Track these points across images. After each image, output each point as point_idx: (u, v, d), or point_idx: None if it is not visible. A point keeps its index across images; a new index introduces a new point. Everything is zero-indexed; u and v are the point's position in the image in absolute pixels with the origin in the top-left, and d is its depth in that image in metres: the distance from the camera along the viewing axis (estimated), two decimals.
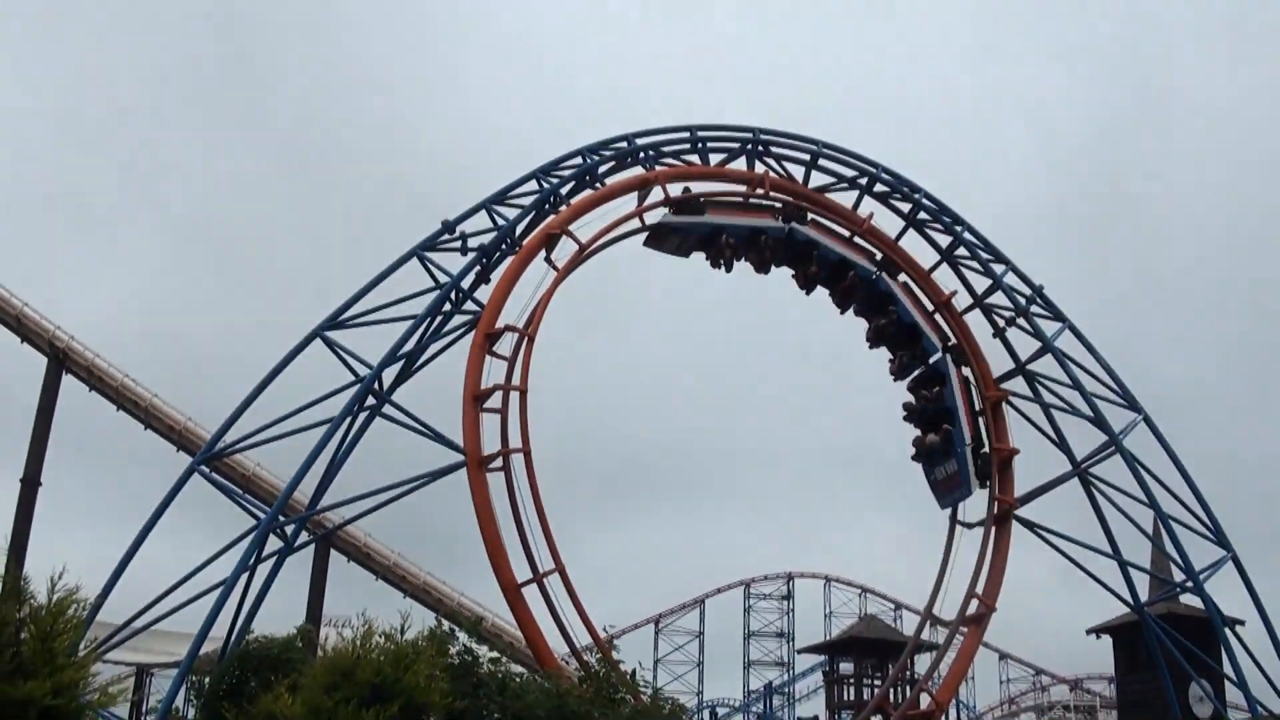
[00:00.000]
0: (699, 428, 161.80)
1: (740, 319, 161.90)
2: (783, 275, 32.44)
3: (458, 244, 28.23)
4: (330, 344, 26.37)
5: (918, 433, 32.46)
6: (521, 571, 24.90)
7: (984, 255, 33.27)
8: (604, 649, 21.50)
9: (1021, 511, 31.45)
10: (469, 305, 27.89)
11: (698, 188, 31.00)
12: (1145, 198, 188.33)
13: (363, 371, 26.07)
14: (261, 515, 24.98)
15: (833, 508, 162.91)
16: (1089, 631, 52.36)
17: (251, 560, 24.10)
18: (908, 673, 42.37)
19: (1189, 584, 32.33)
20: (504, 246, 28.59)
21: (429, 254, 27.88)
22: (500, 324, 26.75)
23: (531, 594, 24.95)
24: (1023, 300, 32.94)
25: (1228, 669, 32.73)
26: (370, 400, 26.34)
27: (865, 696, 52.21)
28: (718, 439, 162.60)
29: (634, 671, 19.07)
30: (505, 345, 26.78)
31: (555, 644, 24.62)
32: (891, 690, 40.53)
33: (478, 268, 28.13)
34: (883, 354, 33.15)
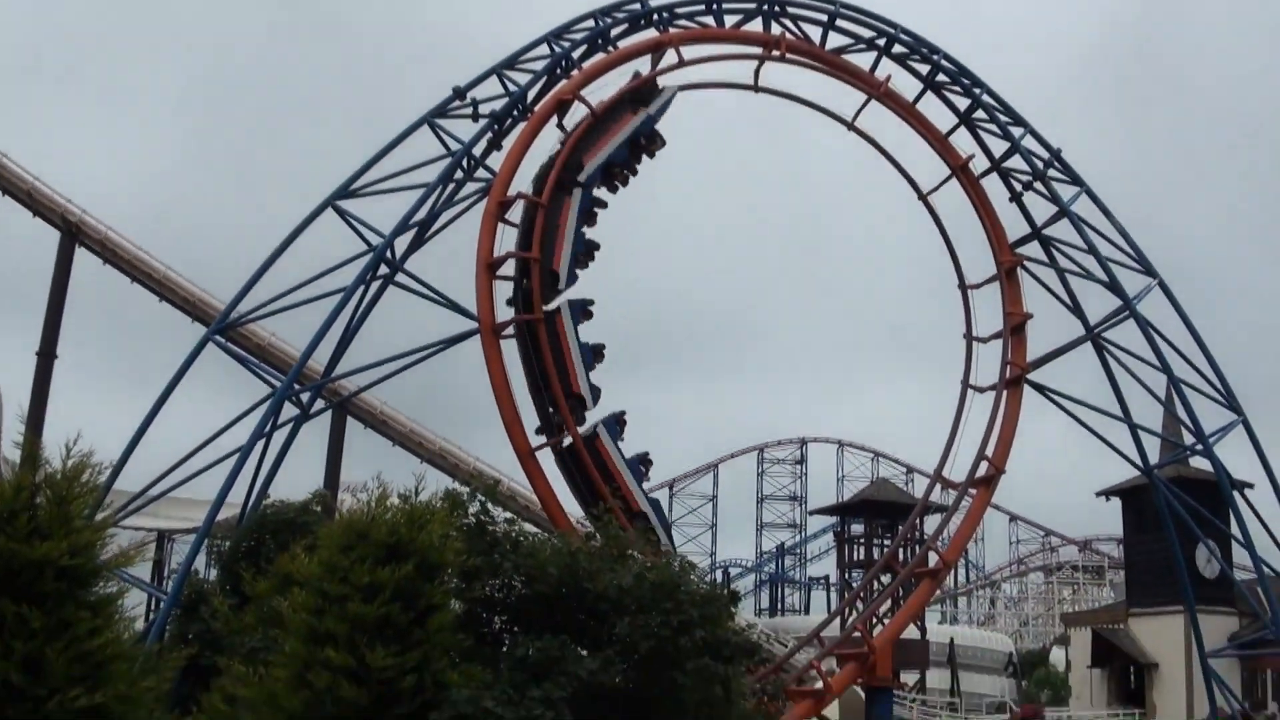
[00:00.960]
0: (719, 293, 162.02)
1: (763, 186, 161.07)
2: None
3: (469, 111, 27.92)
4: (342, 213, 26.26)
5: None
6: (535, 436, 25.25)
7: (1002, 118, 32.82)
8: (616, 511, 21.80)
9: (1034, 376, 31.48)
10: (481, 173, 27.73)
11: (712, 50, 30.53)
12: (1176, 61, 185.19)
13: (375, 240, 26.00)
14: (277, 383, 25.18)
15: (848, 374, 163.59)
16: (1099, 494, 53.05)
17: (267, 428, 24.35)
18: (916, 533, 42.88)
19: (1199, 447, 32.51)
20: (515, 113, 28.29)
21: (440, 121, 27.60)
22: (512, 191, 26.60)
23: (545, 458, 25.31)
24: (1040, 164, 32.55)
25: (1235, 531, 33.00)
26: (383, 269, 26.35)
27: (874, 556, 53.08)
28: (737, 305, 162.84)
29: (650, 527, 19.35)
30: (518, 213, 26.65)
31: (570, 507, 25.03)
32: (900, 550, 41.14)
33: (489, 135, 27.89)
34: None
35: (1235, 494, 32.89)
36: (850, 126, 32.15)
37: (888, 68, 32.69)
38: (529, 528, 17.52)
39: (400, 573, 12.54)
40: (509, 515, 17.12)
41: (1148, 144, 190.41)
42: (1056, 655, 71.98)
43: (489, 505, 16.26)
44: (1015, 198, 32.95)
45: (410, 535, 13.09)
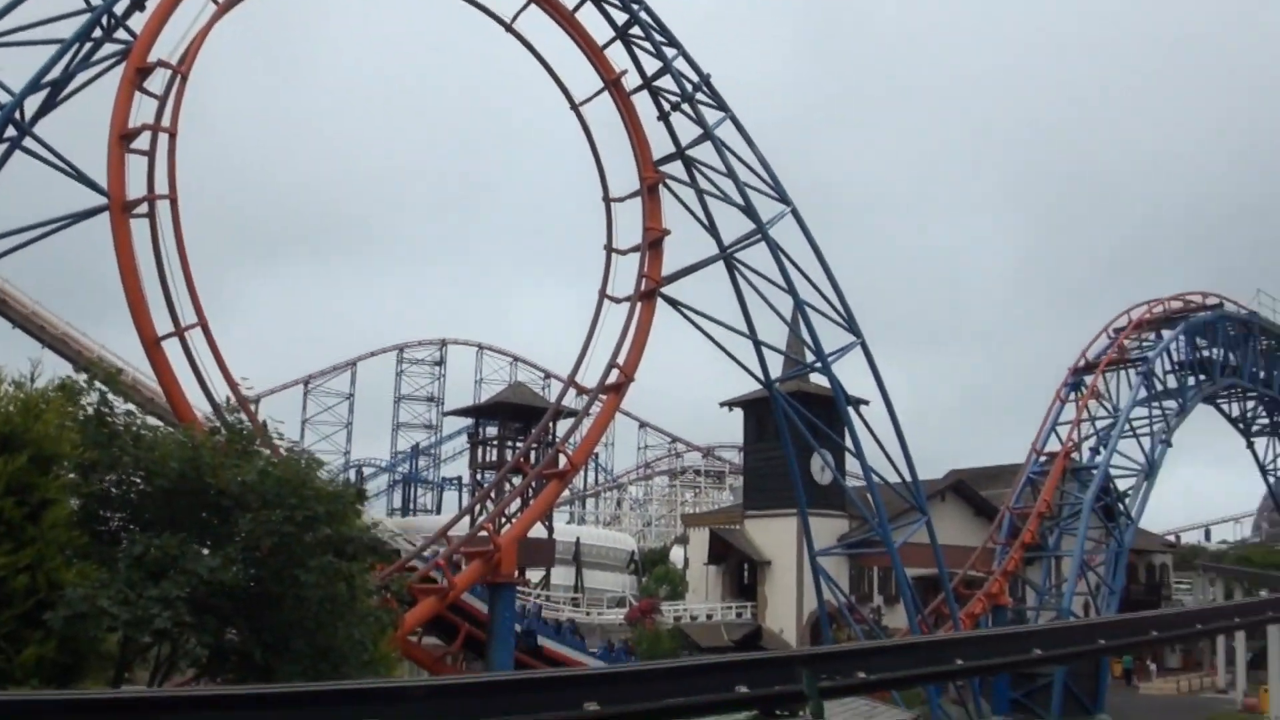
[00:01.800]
0: (366, 188, 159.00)
1: (421, 84, 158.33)
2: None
3: None
4: None
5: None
6: (163, 324, 24.40)
7: (658, 37, 33.57)
8: (244, 404, 21.58)
9: (669, 291, 32.99)
10: (121, 34, 26.17)
11: None
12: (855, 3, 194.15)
13: (2, 99, 24.30)
14: None
15: (492, 278, 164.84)
16: (723, 404, 56.30)
17: None
18: (549, 436, 44.26)
19: (818, 365, 34.98)
20: None
21: None
22: (153, 58, 25.33)
23: (174, 348, 24.56)
24: (689, 86, 33.67)
25: (848, 443, 35.86)
26: (10, 131, 24.64)
27: (508, 457, 54.33)
28: (385, 202, 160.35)
29: (266, 423, 19.22)
30: (158, 83, 25.45)
31: (197, 400, 24.39)
32: (531, 452, 42.39)
33: None
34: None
35: (850, 409, 35.59)
36: (508, 28, 32.33)
37: None
38: (153, 421, 17.18)
39: (13, 465, 12.22)
40: (131, 407, 16.69)
41: (819, 79, 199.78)
42: (676, 554, 75.95)
43: (109, 395, 15.83)
44: (663, 117, 34.09)
45: (24, 425, 12.74)
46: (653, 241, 32.41)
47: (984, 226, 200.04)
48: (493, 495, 42.34)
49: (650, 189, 32.98)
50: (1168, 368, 53.81)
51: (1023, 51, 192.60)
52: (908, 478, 35.48)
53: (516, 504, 35.70)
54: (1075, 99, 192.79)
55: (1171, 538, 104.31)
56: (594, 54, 33.15)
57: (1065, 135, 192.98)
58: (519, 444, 54.61)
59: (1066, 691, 40.66)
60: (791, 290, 33.69)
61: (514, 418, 58.02)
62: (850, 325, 34.87)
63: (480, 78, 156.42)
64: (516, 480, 37.38)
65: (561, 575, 64.71)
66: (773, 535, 54.54)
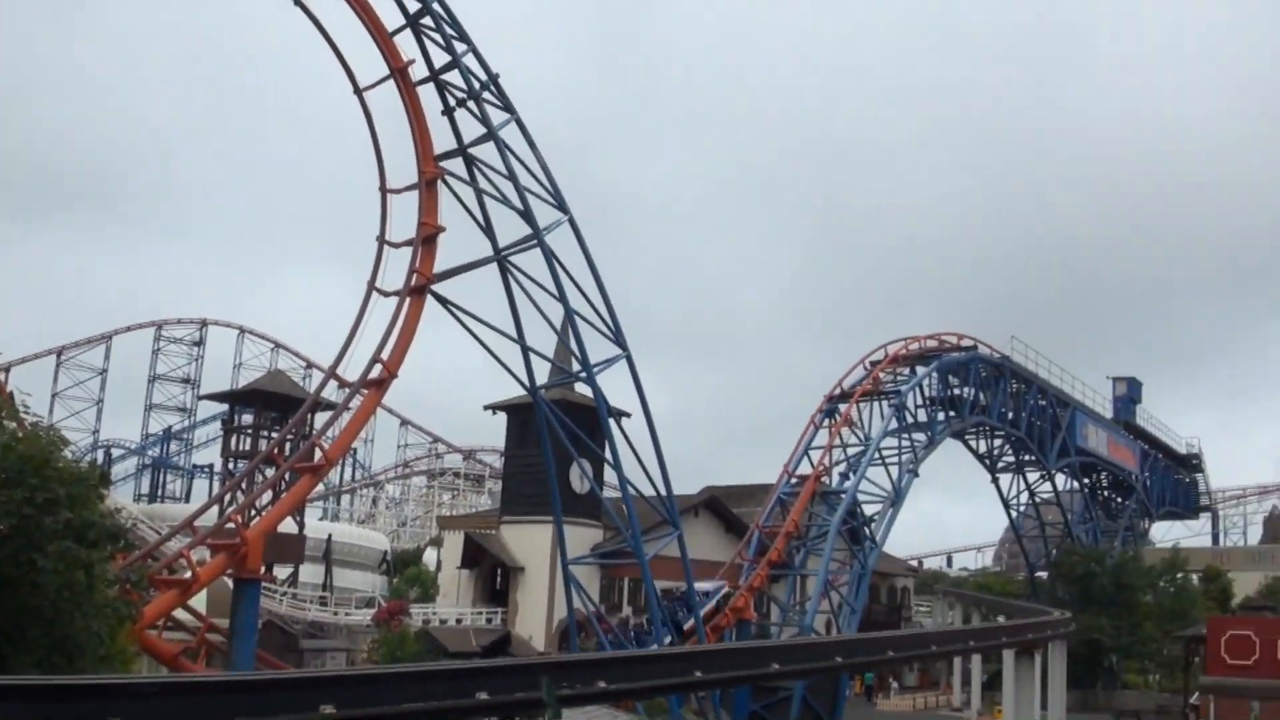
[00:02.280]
0: (135, 149, 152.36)
1: (204, 42, 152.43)
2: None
3: None
4: None
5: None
6: None
7: (449, 30, 33.18)
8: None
9: (441, 289, 32.63)
10: None
11: None
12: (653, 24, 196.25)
13: None
14: None
15: (261, 259, 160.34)
16: (487, 407, 56.09)
17: None
18: (306, 428, 43.28)
19: (583, 374, 35.22)
20: None
21: None
22: None
23: None
24: (477, 84, 33.45)
25: (608, 454, 36.15)
26: None
27: (262, 447, 52.94)
28: (153, 164, 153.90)
29: (13, 394, 18.23)
30: None
31: None
32: (286, 443, 41.38)
33: None
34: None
35: (611, 421, 35.96)
36: (296, 2, 31.46)
37: None
38: None
39: None
40: None
41: (615, 92, 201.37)
42: (430, 556, 75.34)
43: None
44: (448, 112, 33.72)
45: None
46: (426, 237, 32.00)
47: (758, 251, 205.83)
48: (244, 486, 41.16)
49: (429, 183, 32.56)
50: (919, 402, 56.44)
51: (804, 89, 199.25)
52: (663, 492, 36.04)
53: (268, 496, 34.76)
54: (847, 140, 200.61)
55: (915, 562, 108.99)
56: (382, 39, 32.49)
57: (837, 174, 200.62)
58: (275, 434, 53.26)
59: (805, 705, 41.93)
60: (562, 299, 33.83)
61: (271, 406, 56.56)
62: (617, 338, 35.22)
63: (268, 51, 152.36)
64: (270, 472, 36.38)
65: (311, 573, 63.28)
66: (528, 542, 54.59)
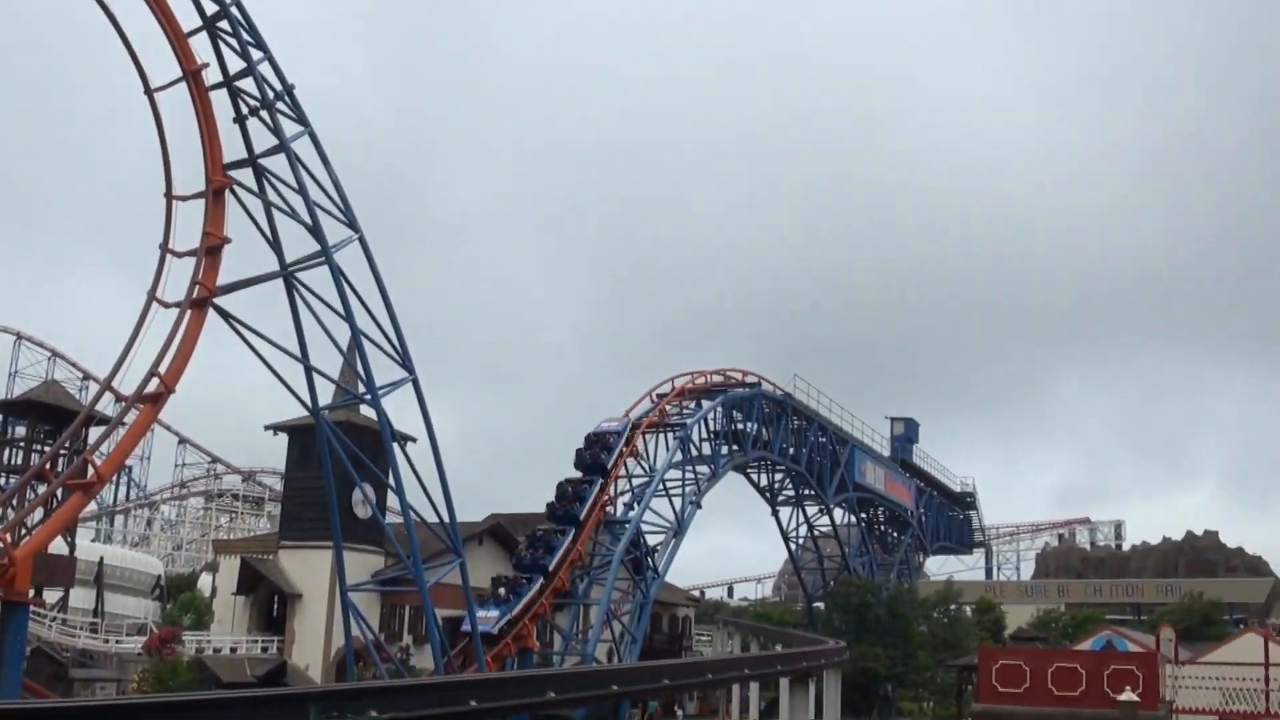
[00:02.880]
0: None
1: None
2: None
3: None
4: None
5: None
6: None
7: (246, 37, 32.28)
8: None
9: (225, 303, 31.53)
10: None
11: None
12: (474, 27, 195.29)
13: None
14: None
15: (43, 262, 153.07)
16: (268, 428, 54.46)
17: None
18: (79, 442, 41.29)
19: (368, 397, 34.54)
20: None
21: None
22: None
23: None
24: (271, 94, 32.65)
25: (391, 479, 35.50)
26: None
27: (34, 461, 50.41)
28: None
29: None
30: None
31: None
32: (59, 457, 39.44)
33: None
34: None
35: (396, 445, 35.35)
36: None
37: None
38: None
39: None
40: None
41: (429, 111, 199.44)
42: (205, 581, 72.69)
43: None
44: (240, 120, 32.75)
45: None
46: (211, 248, 30.88)
47: (562, 279, 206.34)
48: (13, 502, 38.98)
49: (216, 192, 31.47)
50: (704, 435, 57.30)
51: (613, 120, 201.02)
52: (446, 518, 35.58)
53: (39, 514, 32.99)
54: (651, 175, 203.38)
55: (696, 592, 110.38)
56: (177, 39, 31.27)
57: (642, 208, 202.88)
58: (48, 447, 50.80)
59: None
60: (349, 318, 33.16)
61: (45, 419, 53.82)
62: (404, 361, 34.73)
63: (57, 42, 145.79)
64: (42, 488, 34.55)
65: (81, 598, 60.17)
66: (307, 567, 53.06)
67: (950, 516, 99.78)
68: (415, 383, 34.96)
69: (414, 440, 40.13)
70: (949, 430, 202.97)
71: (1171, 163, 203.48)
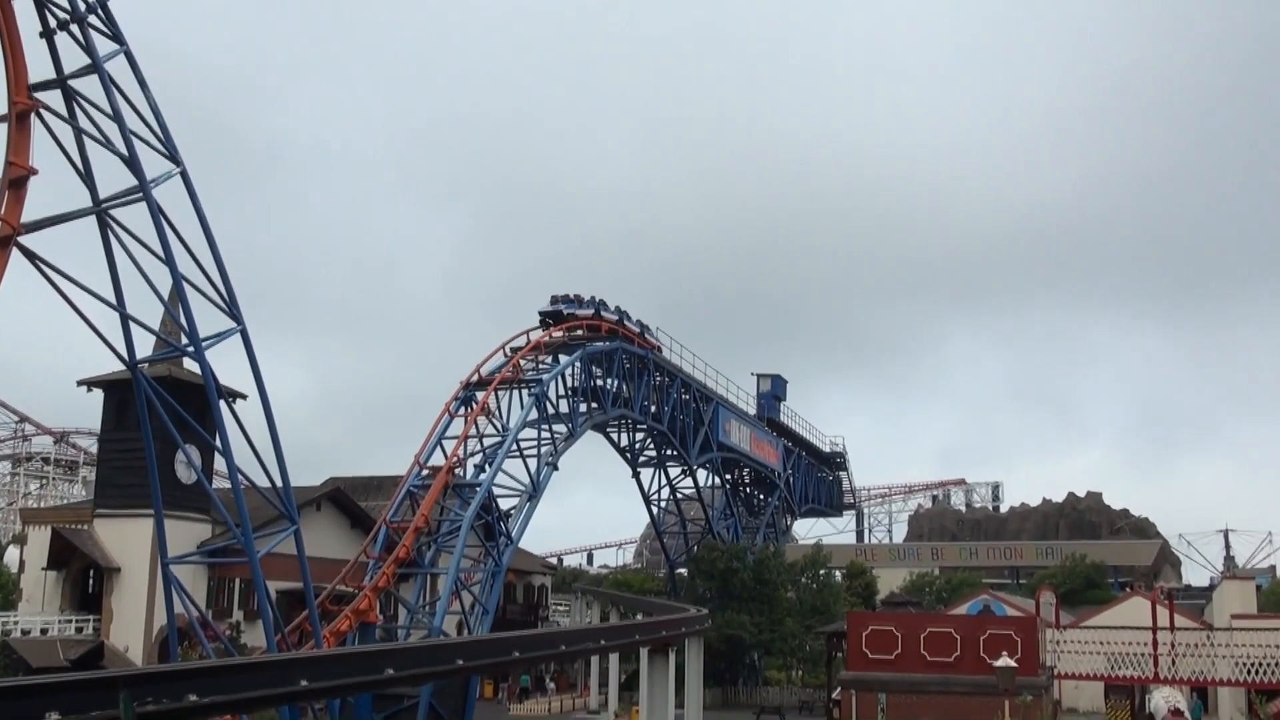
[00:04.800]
0: None
1: None
2: None
3: None
4: None
5: None
6: None
7: None
8: None
9: (32, 242, 29.89)
10: None
11: None
12: None
13: None
14: None
15: None
16: (80, 383, 52.48)
17: None
18: None
19: (191, 349, 33.18)
20: None
21: None
22: None
23: None
24: (84, 6, 30.95)
25: (218, 440, 34.28)
26: None
27: None
28: None
29: None
30: None
31: None
32: None
33: None
34: None
35: (222, 402, 34.09)
36: None
37: None
38: None
39: None
40: None
41: (284, 27, 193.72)
42: (12, 555, 70.27)
43: None
44: (48, 34, 30.87)
45: None
46: (15, 179, 29.07)
47: (427, 219, 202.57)
48: None
49: (20, 116, 29.60)
50: (561, 392, 56.84)
51: (493, 47, 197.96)
52: (279, 482, 34.52)
53: None
54: (528, 109, 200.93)
55: (554, 559, 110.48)
56: None
57: (516, 143, 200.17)
58: None
59: (432, 711, 41.38)
60: (170, 262, 31.72)
61: None
62: (232, 310, 33.43)
63: None
64: None
65: None
66: (125, 538, 51.38)
67: (819, 478, 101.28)
68: (244, 333, 33.69)
69: (244, 397, 38.93)
70: (825, 387, 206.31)
71: (1075, 116, 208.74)
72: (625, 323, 63.38)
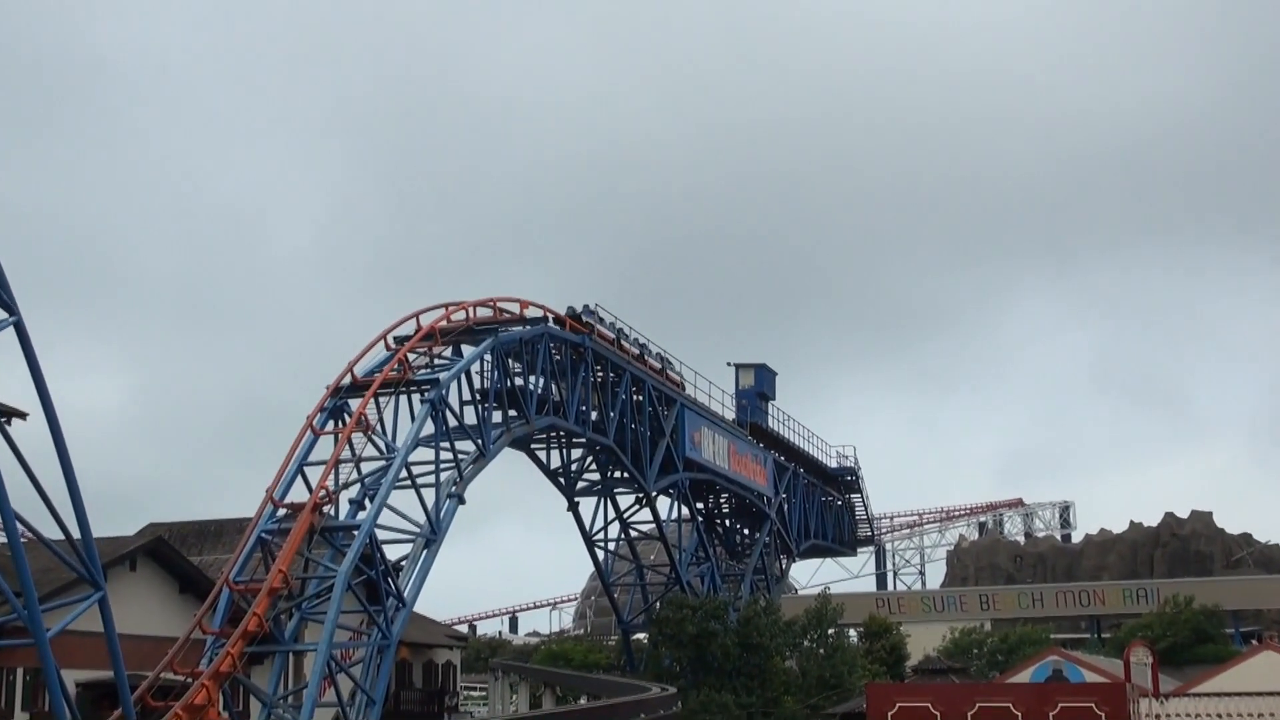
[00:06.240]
0: None
1: None
2: None
3: None
4: None
5: None
6: None
7: None
8: None
9: None
10: None
11: None
12: None
13: None
14: None
15: None
16: None
17: None
18: None
19: None
20: None
21: None
22: None
23: None
24: None
25: None
26: None
27: None
28: None
29: None
30: None
31: None
32: None
33: None
34: None
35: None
36: None
37: None
38: None
39: None
40: None
41: None
42: None
43: None
44: None
45: None
46: None
47: (300, 179, 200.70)
48: None
49: None
50: (466, 397, 56.13)
51: None
52: (76, 534, 34.03)
53: None
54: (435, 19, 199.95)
55: (464, 627, 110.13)
56: None
57: (420, 62, 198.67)
58: None
59: None
60: None
61: None
62: (3, 297, 32.89)
63: None
64: None
65: None
66: None
67: (824, 503, 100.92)
68: (19, 326, 33.14)
69: (23, 416, 38.40)
70: (830, 380, 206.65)
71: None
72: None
